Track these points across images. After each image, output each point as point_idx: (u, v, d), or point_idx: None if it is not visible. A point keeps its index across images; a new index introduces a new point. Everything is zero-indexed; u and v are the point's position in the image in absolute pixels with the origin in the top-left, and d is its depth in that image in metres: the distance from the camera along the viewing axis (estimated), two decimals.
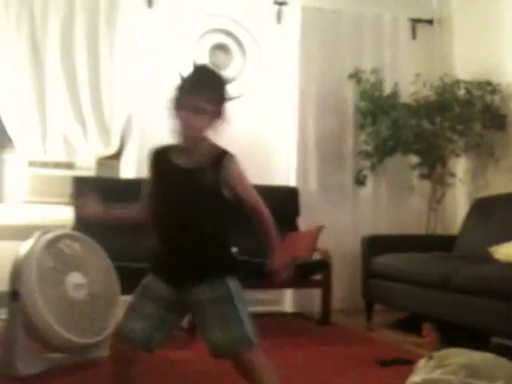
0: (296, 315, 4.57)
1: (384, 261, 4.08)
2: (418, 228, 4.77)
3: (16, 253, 2.73)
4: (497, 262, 3.43)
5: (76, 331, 2.68)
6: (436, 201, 4.76)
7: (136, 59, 4.55)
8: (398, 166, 5.00)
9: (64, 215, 4.06)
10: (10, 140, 4.40)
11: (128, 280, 3.09)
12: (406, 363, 2.57)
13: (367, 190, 5.00)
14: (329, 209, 4.86)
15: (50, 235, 2.76)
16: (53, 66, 4.40)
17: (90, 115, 4.49)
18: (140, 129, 4.58)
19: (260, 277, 4.05)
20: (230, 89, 1.89)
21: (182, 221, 1.76)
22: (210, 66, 1.91)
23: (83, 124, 4.49)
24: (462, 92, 4.60)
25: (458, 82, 4.61)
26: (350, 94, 5.02)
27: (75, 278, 2.77)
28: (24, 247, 2.71)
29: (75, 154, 4.49)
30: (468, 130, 4.55)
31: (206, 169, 1.77)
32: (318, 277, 4.16)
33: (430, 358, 1.95)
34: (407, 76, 4.98)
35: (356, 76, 4.94)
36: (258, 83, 4.93)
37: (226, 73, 4.85)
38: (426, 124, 4.67)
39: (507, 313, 2.95)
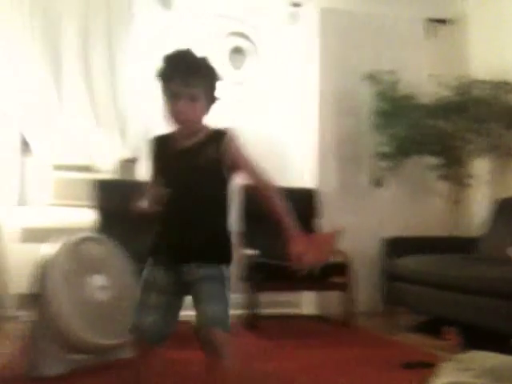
0: (317, 318, 4.57)
1: (404, 263, 4.06)
2: (438, 229, 4.74)
3: (40, 255, 2.76)
4: None
5: (99, 333, 2.71)
6: (455, 202, 4.72)
7: (153, 61, 4.57)
8: (416, 167, 4.97)
9: (87, 218, 4.10)
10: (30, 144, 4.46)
11: None
12: (430, 366, 2.56)
13: (386, 192, 4.97)
14: (348, 210, 4.84)
15: (73, 238, 2.79)
16: (70, 69, 4.45)
17: (110, 118, 4.53)
18: (159, 131, 4.59)
19: (280, 279, 4.08)
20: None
21: (184, 200, 1.80)
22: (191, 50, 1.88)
23: (103, 127, 4.53)
24: (478, 92, 4.55)
25: (474, 81, 4.58)
26: (367, 94, 5.00)
27: (98, 279, 2.80)
28: (48, 250, 2.75)
29: (96, 157, 4.53)
30: (485, 130, 4.51)
31: (205, 146, 1.81)
32: (338, 279, 4.15)
33: (453, 360, 1.95)
34: (423, 76, 4.96)
35: (373, 77, 4.92)
36: (275, 85, 4.93)
37: (241, 74, 4.87)
38: (442, 124, 4.64)
39: None
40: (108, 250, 2.95)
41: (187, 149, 1.83)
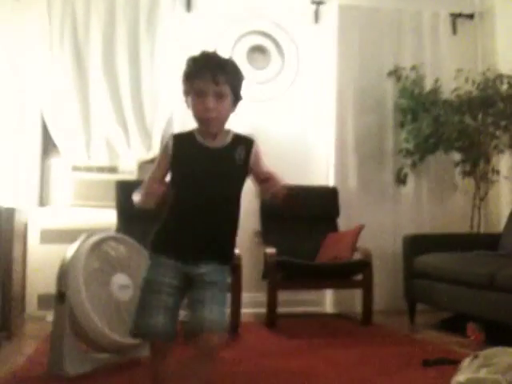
0: (337, 316, 4.56)
1: (427, 260, 4.03)
2: (462, 226, 4.69)
3: (62, 255, 2.80)
4: None
5: (122, 331, 2.72)
6: (479, 198, 4.68)
7: (176, 63, 4.61)
8: (439, 164, 4.93)
9: (108, 218, 4.14)
10: (55, 145, 4.52)
11: None
12: (451, 363, 2.55)
13: (408, 189, 4.94)
14: (369, 208, 4.82)
15: (95, 238, 2.81)
16: (95, 72, 4.51)
17: (132, 120, 4.58)
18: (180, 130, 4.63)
19: (300, 277, 4.08)
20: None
21: (204, 200, 1.80)
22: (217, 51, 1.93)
23: (125, 129, 4.58)
24: (504, 87, 4.51)
25: (500, 76, 4.53)
26: (389, 91, 4.98)
27: (120, 279, 2.82)
28: (70, 250, 2.78)
29: (118, 159, 4.58)
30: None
31: (233, 150, 1.84)
32: (358, 277, 4.13)
33: (475, 357, 1.93)
34: (448, 72, 4.92)
35: (396, 73, 4.90)
36: (297, 83, 4.93)
37: (264, 74, 4.88)
38: (468, 120, 4.60)
39: None
40: (129, 250, 2.97)
41: (216, 150, 1.84)
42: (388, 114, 4.99)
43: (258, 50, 4.91)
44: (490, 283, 3.35)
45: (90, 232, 2.90)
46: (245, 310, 3.93)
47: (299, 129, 4.93)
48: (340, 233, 4.48)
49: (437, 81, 4.81)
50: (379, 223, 4.74)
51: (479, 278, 3.45)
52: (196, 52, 1.91)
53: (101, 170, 4.52)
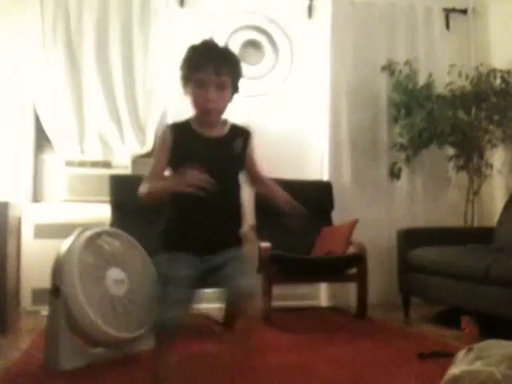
0: (332, 309, 4.57)
1: (421, 254, 4.04)
2: (455, 220, 4.72)
3: (57, 250, 2.79)
4: None
5: (117, 326, 2.73)
6: (473, 192, 4.70)
7: (169, 58, 4.60)
8: (433, 158, 4.95)
9: (102, 213, 4.13)
10: (48, 141, 4.50)
11: None
12: (445, 356, 2.56)
13: (402, 183, 4.95)
14: (363, 202, 4.84)
15: (89, 232, 2.81)
16: (88, 66, 4.50)
17: (126, 115, 4.57)
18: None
19: (295, 271, 4.08)
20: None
21: (214, 197, 1.79)
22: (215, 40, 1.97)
23: (119, 123, 4.57)
24: (498, 81, 4.53)
25: (493, 71, 4.54)
26: (383, 86, 4.98)
27: (115, 273, 2.81)
28: (65, 244, 2.77)
29: (112, 153, 4.57)
30: (505, 119, 4.49)
31: (232, 139, 1.88)
32: (353, 271, 4.14)
33: (470, 349, 1.94)
34: (442, 67, 4.94)
35: (389, 68, 4.91)
36: (291, 78, 4.93)
37: (258, 69, 4.87)
38: (461, 115, 4.62)
39: None
40: (124, 244, 2.97)
41: (217, 140, 1.86)
42: (382, 108, 5.00)
43: (251, 44, 4.90)
44: (483, 277, 3.37)
45: (85, 227, 2.90)
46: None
47: (293, 124, 4.93)
48: (334, 227, 4.49)
49: (430, 75, 4.82)
50: (373, 217, 4.76)
51: (473, 272, 3.47)
52: (193, 43, 1.91)
53: (95, 164, 4.50)
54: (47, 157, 4.58)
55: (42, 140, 4.56)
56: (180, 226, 1.87)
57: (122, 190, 4.16)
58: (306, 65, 4.98)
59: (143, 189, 1.91)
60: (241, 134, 1.91)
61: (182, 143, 1.87)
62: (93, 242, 2.81)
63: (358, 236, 4.22)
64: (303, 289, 4.67)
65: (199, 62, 1.82)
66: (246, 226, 2.03)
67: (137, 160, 4.65)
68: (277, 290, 4.01)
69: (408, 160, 4.85)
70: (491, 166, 4.70)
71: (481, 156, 4.67)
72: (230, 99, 1.87)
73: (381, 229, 4.78)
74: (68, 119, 4.47)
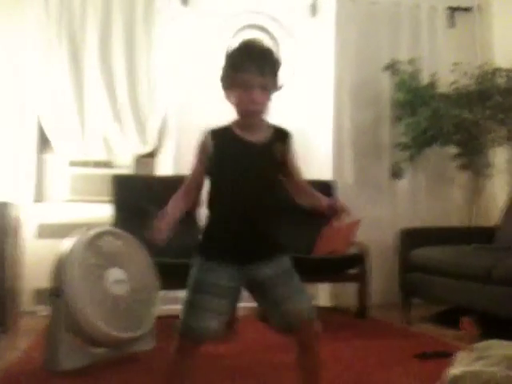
0: (333, 309, 4.56)
1: (423, 253, 4.03)
2: (458, 220, 4.70)
3: (58, 250, 2.79)
4: None
5: (117, 326, 2.73)
6: (476, 192, 4.67)
7: (172, 58, 4.60)
8: (436, 158, 4.93)
9: (104, 213, 4.13)
10: (51, 141, 4.50)
11: (167, 275, 3.15)
12: (446, 356, 2.54)
13: (405, 182, 4.93)
14: (366, 202, 4.81)
15: (91, 232, 2.81)
16: (91, 66, 4.49)
17: (128, 114, 4.56)
18: (176, 127, 4.63)
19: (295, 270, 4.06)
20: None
21: (255, 195, 1.76)
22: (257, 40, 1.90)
23: (121, 123, 4.57)
24: (502, 80, 4.50)
25: (498, 70, 4.52)
26: (386, 85, 4.96)
27: (116, 273, 2.82)
28: (66, 244, 2.77)
29: (114, 153, 4.57)
30: (509, 118, 4.46)
31: (274, 144, 1.82)
32: (354, 271, 4.13)
33: (471, 350, 1.93)
34: (446, 65, 4.90)
35: (393, 67, 4.88)
36: (294, 77, 4.92)
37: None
38: (465, 114, 4.59)
39: None
40: (126, 244, 2.97)
41: (258, 144, 1.80)
42: (385, 107, 4.98)
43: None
44: (486, 276, 3.36)
45: (87, 227, 2.90)
46: (240, 304, 3.92)
47: (296, 123, 4.90)
48: (336, 227, 4.45)
49: (434, 74, 4.79)
50: (376, 217, 4.73)
51: (475, 272, 3.46)
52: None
53: (97, 164, 4.51)
54: (49, 157, 4.59)
55: (44, 140, 4.56)
56: (217, 234, 1.80)
57: (125, 190, 4.16)
58: (310, 64, 4.96)
59: (173, 196, 1.89)
60: (281, 138, 1.85)
61: (221, 149, 1.80)
62: (94, 242, 2.81)
63: (360, 235, 4.17)
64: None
65: (242, 64, 1.76)
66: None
67: (139, 160, 4.66)
68: None
69: (411, 159, 4.82)
70: (494, 166, 4.68)
71: (484, 155, 4.65)
72: (270, 99, 1.83)
73: (383, 228, 4.75)
74: (70, 119, 4.47)
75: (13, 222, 3.71)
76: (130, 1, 4.59)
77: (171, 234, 1.79)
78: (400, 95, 4.82)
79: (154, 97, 4.61)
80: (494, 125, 4.55)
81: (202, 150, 1.83)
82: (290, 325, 1.77)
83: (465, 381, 1.84)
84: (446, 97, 4.62)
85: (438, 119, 4.52)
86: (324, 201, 1.94)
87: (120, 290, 2.82)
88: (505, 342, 1.91)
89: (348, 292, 4.49)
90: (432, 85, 4.73)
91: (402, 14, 5.06)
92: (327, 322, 4.04)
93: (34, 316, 3.94)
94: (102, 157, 4.53)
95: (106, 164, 4.52)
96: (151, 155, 4.73)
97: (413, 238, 4.20)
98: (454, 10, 5.15)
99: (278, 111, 5.07)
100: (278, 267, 1.78)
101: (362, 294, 4.06)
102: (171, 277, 3.39)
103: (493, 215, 4.79)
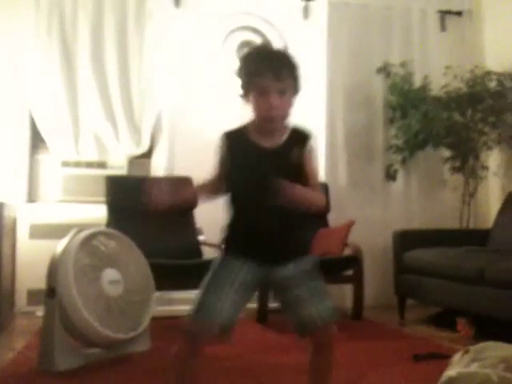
0: None
1: (417, 255, 4.05)
2: (451, 222, 4.72)
3: (52, 251, 2.78)
4: None
5: (112, 327, 2.72)
6: (469, 194, 4.70)
7: (165, 58, 4.59)
8: (429, 160, 4.95)
9: (97, 213, 4.12)
10: (44, 141, 4.48)
11: (162, 277, 3.15)
12: (441, 357, 2.56)
13: (398, 185, 4.95)
14: (359, 204, 4.83)
15: (85, 233, 2.80)
16: (84, 67, 4.48)
17: (121, 115, 4.55)
18: (170, 128, 4.63)
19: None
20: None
21: (266, 199, 1.67)
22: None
23: (114, 124, 4.56)
24: (493, 84, 4.54)
25: (489, 73, 4.56)
26: (378, 88, 4.98)
27: (111, 274, 2.81)
28: (60, 245, 2.76)
29: (107, 154, 4.56)
30: (500, 121, 4.50)
31: (290, 148, 1.76)
32: (349, 272, 4.14)
33: (466, 351, 1.94)
34: (437, 69, 4.93)
35: (385, 70, 4.91)
36: None
37: None
38: (457, 117, 4.62)
39: None
40: (120, 245, 2.96)
41: (271, 151, 1.76)
42: (377, 110, 5.00)
43: (247, 45, 4.88)
44: (479, 278, 3.38)
45: (80, 227, 2.89)
46: None
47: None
48: (330, 229, 4.49)
49: (426, 77, 4.82)
50: (369, 219, 4.75)
51: (469, 273, 3.48)
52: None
53: (90, 165, 4.50)
54: (43, 157, 4.57)
55: (37, 140, 4.54)
56: (237, 233, 1.78)
57: (118, 191, 4.15)
58: (302, 66, 4.96)
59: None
60: (299, 140, 1.79)
61: (235, 153, 1.79)
62: (88, 243, 2.80)
63: (354, 237, 4.22)
64: None
65: (258, 69, 1.73)
66: None
67: (132, 160, 4.65)
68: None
69: (404, 162, 4.85)
70: (487, 168, 4.71)
71: (476, 158, 4.68)
72: (291, 104, 1.78)
73: (376, 230, 4.77)
74: (63, 119, 4.45)
75: (7, 222, 3.69)
76: (121, 1, 4.58)
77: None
78: (392, 98, 4.85)
79: (147, 98, 4.60)
80: (486, 128, 4.59)
81: (218, 153, 1.81)
82: (305, 328, 1.75)
83: (460, 382, 1.85)
84: (437, 100, 4.65)
85: (428, 122, 4.55)
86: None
87: (115, 290, 2.82)
88: (500, 344, 1.92)
89: (343, 293, 4.50)
90: (424, 88, 4.76)
91: (394, 17, 5.08)
92: None
93: (28, 316, 3.92)
94: (95, 157, 4.52)
95: (99, 165, 4.51)
96: (145, 156, 4.72)
97: (406, 239, 4.22)
98: (444, 13, 5.19)
99: None
100: (298, 268, 1.75)
101: (357, 295, 4.07)
102: (166, 278, 3.40)
103: (485, 217, 4.83)
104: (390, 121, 4.93)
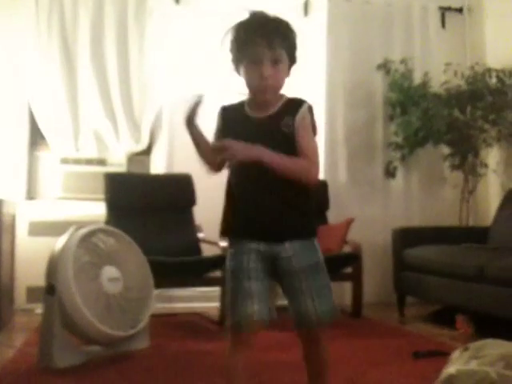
0: None
1: (416, 253, 4.05)
2: (451, 220, 4.72)
3: (51, 248, 2.78)
4: None
5: (111, 324, 2.72)
6: (468, 192, 4.70)
7: (165, 56, 4.59)
8: (428, 157, 4.95)
9: (97, 211, 4.12)
10: (43, 138, 4.48)
11: (161, 274, 3.15)
12: (440, 355, 2.56)
13: (398, 182, 4.95)
14: (359, 201, 4.83)
15: (84, 230, 2.80)
16: (84, 64, 4.47)
17: (121, 112, 4.55)
18: (169, 125, 4.62)
19: None
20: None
21: (263, 173, 1.63)
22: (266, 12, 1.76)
23: (114, 121, 4.55)
24: (493, 80, 4.53)
25: (489, 70, 4.55)
26: (378, 84, 4.98)
27: (110, 271, 2.81)
28: (59, 242, 2.76)
29: (107, 151, 4.55)
30: (500, 119, 4.49)
31: (281, 117, 1.69)
32: (348, 270, 4.14)
33: (465, 349, 1.93)
34: (437, 65, 4.93)
35: (385, 66, 4.90)
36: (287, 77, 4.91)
37: None
38: (457, 114, 4.62)
39: None
40: (119, 242, 2.96)
41: (261, 120, 1.70)
42: (378, 107, 4.99)
43: None
44: (478, 276, 3.38)
45: (79, 224, 2.89)
46: None
47: None
48: (330, 226, 4.48)
49: (426, 74, 4.81)
50: (369, 216, 4.75)
51: (468, 271, 3.48)
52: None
53: (89, 162, 4.50)
54: (42, 154, 4.57)
55: (36, 137, 4.54)
56: (234, 211, 1.72)
57: (117, 188, 4.15)
58: (302, 63, 4.95)
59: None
60: (292, 109, 1.70)
61: (228, 126, 1.74)
62: (88, 240, 2.80)
63: (354, 235, 4.22)
64: None
65: (250, 36, 1.67)
66: None
67: (132, 158, 4.64)
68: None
69: (403, 159, 4.85)
70: (486, 165, 4.71)
71: (476, 155, 4.67)
72: (286, 73, 1.73)
73: (376, 228, 4.77)
74: (63, 117, 4.44)
75: (6, 219, 3.69)
76: None
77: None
78: (392, 95, 4.85)
79: (147, 95, 4.60)
80: (486, 125, 4.58)
81: (215, 128, 1.78)
82: (301, 322, 1.71)
83: (459, 380, 1.84)
84: (437, 97, 4.65)
85: (428, 119, 4.55)
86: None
87: (114, 288, 2.82)
88: (500, 341, 1.92)
89: (342, 291, 4.49)
90: (424, 85, 4.76)
91: (394, 14, 5.07)
92: None
93: (28, 314, 3.92)
94: (94, 154, 4.52)
95: (99, 162, 4.51)
96: (145, 153, 4.71)
97: (406, 237, 4.22)
98: (445, 10, 5.18)
99: None
100: (304, 260, 1.69)
101: (356, 293, 4.07)
102: (165, 275, 3.40)
103: (485, 215, 4.83)
104: (390, 118, 4.92)
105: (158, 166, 4.65)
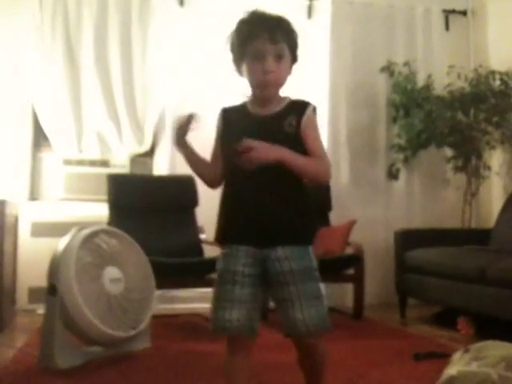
0: (329, 310, 4.54)
1: (418, 255, 4.04)
2: (453, 222, 4.72)
3: (54, 249, 2.78)
4: None
5: (113, 325, 2.72)
6: (471, 194, 4.69)
7: (168, 57, 4.59)
8: (431, 159, 4.95)
9: (99, 212, 4.12)
10: (46, 139, 4.49)
11: (163, 275, 3.15)
12: (441, 356, 2.56)
13: (400, 184, 4.95)
14: (361, 203, 4.83)
15: (87, 231, 2.80)
16: (87, 65, 4.49)
17: (124, 113, 4.56)
18: (173, 126, 4.62)
19: None
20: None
21: (263, 173, 1.59)
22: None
23: (117, 122, 4.56)
24: (497, 83, 4.53)
25: (492, 72, 4.55)
26: (382, 87, 4.98)
27: (112, 272, 2.81)
28: (62, 243, 2.76)
29: (110, 152, 4.56)
30: (503, 121, 4.49)
31: (284, 117, 1.67)
32: (350, 271, 4.14)
33: (466, 350, 1.93)
34: (441, 68, 4.93)
35: (388, 69, 4.90)
36: (289, 78, 4.91)
37: None
38: (460, 116, 4.62)
39: None
40: (121, 243, 2.96)
41: (265, 118, 1.67)
42: (380, 109, 4.99)
43: None
44: (480, 278, 3.37)
45: (82, 225, 2.89)
46: None
47: None
48: (332, 227, 4.49)
49: (429, 77, 4.81)
50: (371, 218, 4.75)
51: (470, 273, 3.47)
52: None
53: (92, 163, 4.51)
54: (45, 155, 4.58)
55: (39, 138, 4.55)
56: (228, 214, 1.69)
57: (120, 189, 4.15)
58: (305, 65, 4.96)
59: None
60: (296, 109, 1.68)
61: (229, 126, 1.72)
62: (90, 241, 2.80)
63: (356, 236, 4.22)
64: None
65: (252, 32, 1.66)
66: None
67: (135, 159, 4.65)
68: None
69: (406, 161, 4.84)
70: (489, 168, 4.71)
71: (479, 157, 4.67)
72: (288, 70, 1.71)
73: (378, 229, 4.77)
74: (66, 118, 4.46)
75: (9, 220, 3.70)
76: (125, 1, 4.58)
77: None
78: (395, 97, 4.85)
79: (150, 96, 4.61)
80: (489, 127, 4.58)
81: (217, 128, 1.75)
82: (290, 330, 1.67)
83: (460, 381, 1.84)
84: (440, 99, 4.65)
85: (431, 121, 4.55)
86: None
87: (116, 288, 2.82)
88: (501, 343, 1.92)
89: (344, 292, 4.49)
90: (427, 87, 4.75)
91: (398, 16, 5.08)
92: None
93: (29, 314, 3.93)
94: (97, 156, 4.53)
95: (102, 163, 4.52)
96: (148, 155, 4.72)
97: (408, 239, 4.22)
98: (449, 12, 5.18)
99: None
100: (295, 263, 1.63)
101: (358, 294, 4.07)
102: (167, 276, 3.41)
103: (487, 217, 4.82)
104: (393, 120, 4.92)
105: (160, 167, 4.65)
